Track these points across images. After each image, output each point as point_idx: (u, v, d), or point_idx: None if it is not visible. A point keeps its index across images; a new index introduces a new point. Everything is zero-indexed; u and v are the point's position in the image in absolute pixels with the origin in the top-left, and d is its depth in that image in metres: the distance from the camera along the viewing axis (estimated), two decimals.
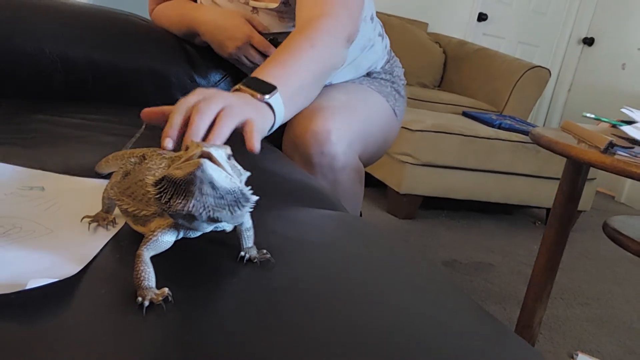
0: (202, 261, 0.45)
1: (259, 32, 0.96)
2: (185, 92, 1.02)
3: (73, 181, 0.57)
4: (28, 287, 0.37)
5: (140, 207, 0.44)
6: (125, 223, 0.48)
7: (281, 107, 0.65)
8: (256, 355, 0.35)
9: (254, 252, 0.45)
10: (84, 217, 0.47)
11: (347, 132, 0.93)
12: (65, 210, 0.50)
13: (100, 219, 0.48)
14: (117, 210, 0.50)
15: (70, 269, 0.40)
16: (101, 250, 0.44)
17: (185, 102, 0.54)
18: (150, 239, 0.41)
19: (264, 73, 0.67)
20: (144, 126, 0.73)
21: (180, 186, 0.38)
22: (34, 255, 0.42)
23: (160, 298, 0.37)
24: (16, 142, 0.69)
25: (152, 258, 0.41)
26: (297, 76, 0.71)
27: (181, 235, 0.42)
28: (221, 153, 0.38)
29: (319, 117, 0.91)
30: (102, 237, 0.46)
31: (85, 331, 0.35)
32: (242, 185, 0.40)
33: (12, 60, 0.90)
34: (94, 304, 0.39)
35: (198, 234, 0.44)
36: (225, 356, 0.35)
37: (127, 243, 0.45)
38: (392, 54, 1.22)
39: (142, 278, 0.38)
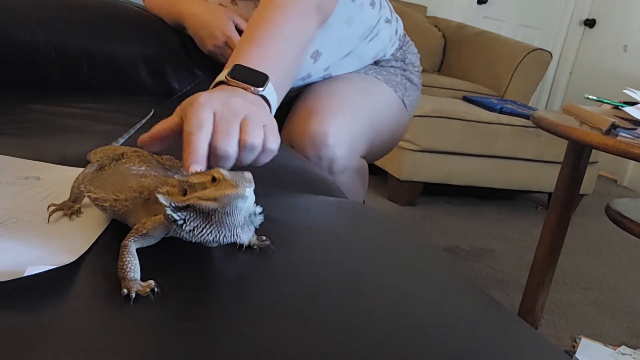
0: (201, 248, 0.45)
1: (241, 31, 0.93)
2: (181, 81, 1.03)
3: (69, 171, 0.57)
4: (26, 274, 0.37)
5: (119, 197, 0.44)
6: None
7: (274, 96, 0.61)
8: (257, 342, 0.35)
9: (253, 239, 0.45)
10: (49, 206, 0.47)
11: (347, 132, 0.89)
12: (61, 200, 0.50)
13: (65, 208, 0.47)
14: (84, 200, 0.49)
15: (68, 257, 0.40)
16: (98, 239, 0.44)
17: (199, 121, 0.49)
18: (140, 231, 0.40)
19: (246, 57, 0.62)
20: (151, 113, 0.72)
21: (212, 217, 0.39)
22: (31, 244, 0.42)
23: (148, 289, 0.37)
24: (11, 132, 0.69)
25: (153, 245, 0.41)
26: (281, 57, 0.66)
27: (170, 233, 0.41)
28: (252, 189, 0.39)
29: (316, 119, 0.87)
30: (99, 226, 0.46)
31: (85, 319, 0.35)
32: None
33: (6, 51, 0.89)
34: (93, 293, 0.38)
35: None
36: (225, 343, 0.35)
37: (124, 233, 0.45)
38: (407, 38, 1.14)
39: (127, 270, 0.38)
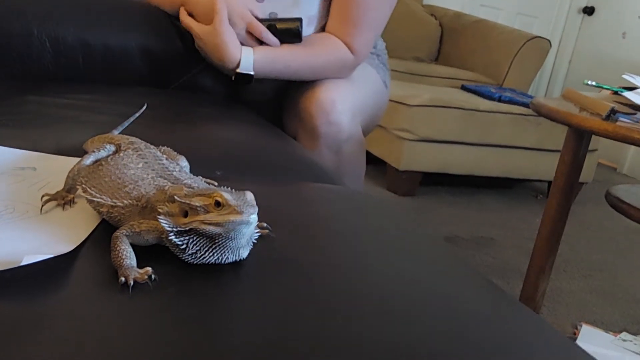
0: None
1: (257, 18, 0.93)
2: (177, 71, 1.02)
3: (65, 161, 0.56)
4: (23, 263, 0.37)
5: (116, 204, 0.43)
6: None
7: (249, 66, 0.91)
8: (258, 327, 0.35)
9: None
10: (43, 195, 0.46)
11: (350, 102, 0.94)
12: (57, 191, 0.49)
13: (59, 198, 0.47)
14: (79, 190, 0.48)
15: (65, 247, 0.40)
16: (96, 228, 0.44)
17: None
18: (135, 229, 0.40)
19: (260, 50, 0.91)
20: (144, 107, 0.72)
21: (216, 241, 0.38)
22: (28, 234, 0.42)
23: (145, 277, 0.36)
24: (7, 123, 0.69)
25: None
26: (283, 55, 0.92)
27: (163, 243, 0.41)
28: (256, 213, 0.38)
29: (322, 88, 0.92)
30: (96, 216, 0.46)
31: (83, 308, 0.35)
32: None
33: (0, 42, 0.89)
34: (91, 281, 0.38)
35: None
36: (227, 328, 0.34)
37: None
38: None
39: (122, 257, 0.37)
